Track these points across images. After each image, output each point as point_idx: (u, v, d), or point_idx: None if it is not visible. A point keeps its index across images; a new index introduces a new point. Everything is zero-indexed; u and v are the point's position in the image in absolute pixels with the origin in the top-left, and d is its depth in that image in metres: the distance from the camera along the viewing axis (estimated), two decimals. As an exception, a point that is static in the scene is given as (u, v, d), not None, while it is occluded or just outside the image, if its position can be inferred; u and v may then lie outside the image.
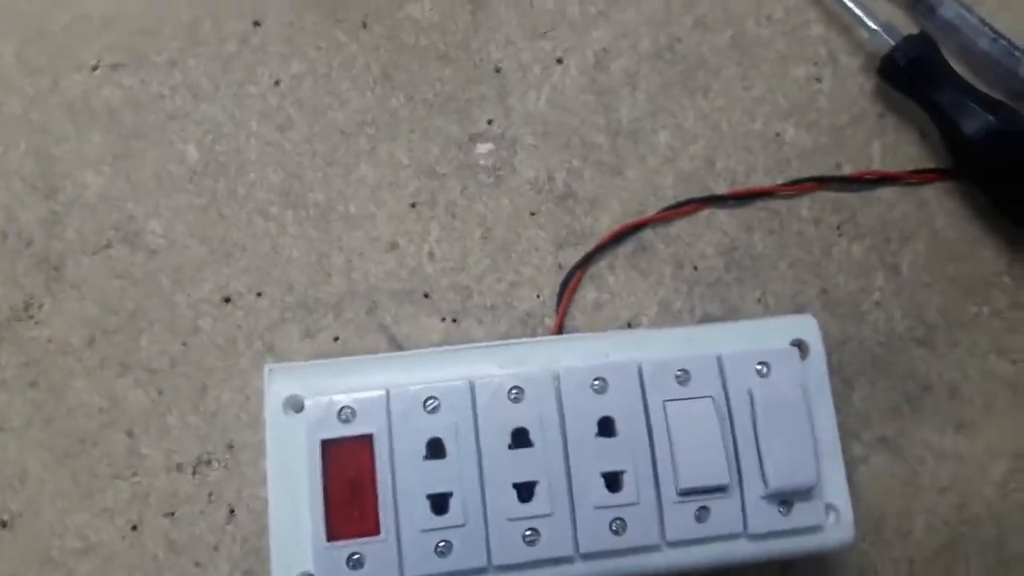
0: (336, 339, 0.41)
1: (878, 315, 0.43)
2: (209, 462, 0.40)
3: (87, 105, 0.43)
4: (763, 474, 0.34)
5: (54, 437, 0.40)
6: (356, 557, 0.32)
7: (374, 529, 0.32)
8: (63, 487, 0.39)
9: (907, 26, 0.46)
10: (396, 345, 0.41)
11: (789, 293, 0.43)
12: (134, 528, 0.39)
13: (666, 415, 0.35)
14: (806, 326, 0.37)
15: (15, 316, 0.41)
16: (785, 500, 0.34)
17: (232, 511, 0.39)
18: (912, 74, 0.44)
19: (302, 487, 0.33)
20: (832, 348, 0.43)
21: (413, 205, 0.43)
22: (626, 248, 0.44)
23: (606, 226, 0.44)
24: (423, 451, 0.33)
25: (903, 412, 0.42)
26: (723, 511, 0.34)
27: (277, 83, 0.44)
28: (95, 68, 0.44)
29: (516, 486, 0.33)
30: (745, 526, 0.34)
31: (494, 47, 0.46)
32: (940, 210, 0.45)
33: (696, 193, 0.44)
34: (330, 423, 0.33)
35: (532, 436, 0.34)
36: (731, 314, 0.43)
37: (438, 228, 0.43)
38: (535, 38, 0.46)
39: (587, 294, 0.43)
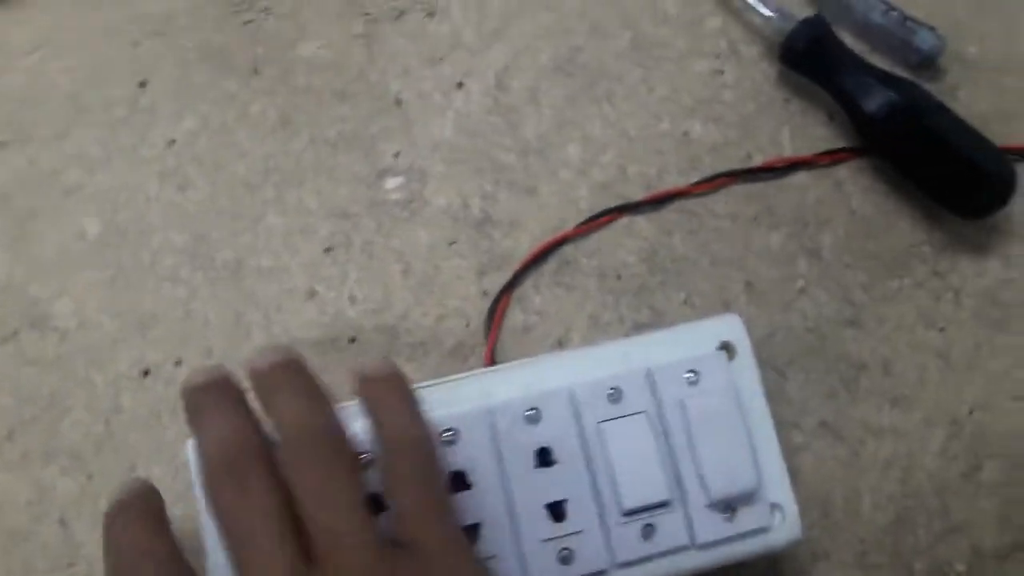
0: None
1: (804, 302, 0.45)
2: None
3: (-24, 189, 0.43)
4: (704, 484, 0.35)
5: (-15, 536, 0.40)
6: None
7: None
8: (1, 586, 0.39)
9: (803, 8, 0.48)
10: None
11: (715, 291, 0.45)
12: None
13: (601, 437, 0.36)
14: (732, 326, 0.38)
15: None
16: (729, 506, 0.36)
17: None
18: (811, 57, 0.45)
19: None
20: (762, 340, 0.45)
21: (328, 249, 0.44)
22: (549, 266, 0.45)
23: (526, 246, 0.45)
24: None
25: (839, 395, 0.44)
26: (669, 526, 0.35)
27: (172, 143, 0.44)
28: (-21, 149, 0.44)
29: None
30: (692, 538, 0.35)
31: (392, 79, 0.46)
32: (855, 189, 0.46)
33: (612, 202, 0.46)
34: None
35: (470, 478, 0.35)
36: (659, 319, 0.44)
37: (356, 270, 0.44)
38: (433, 65, 0.46)
39: (516, 318, 0.44)
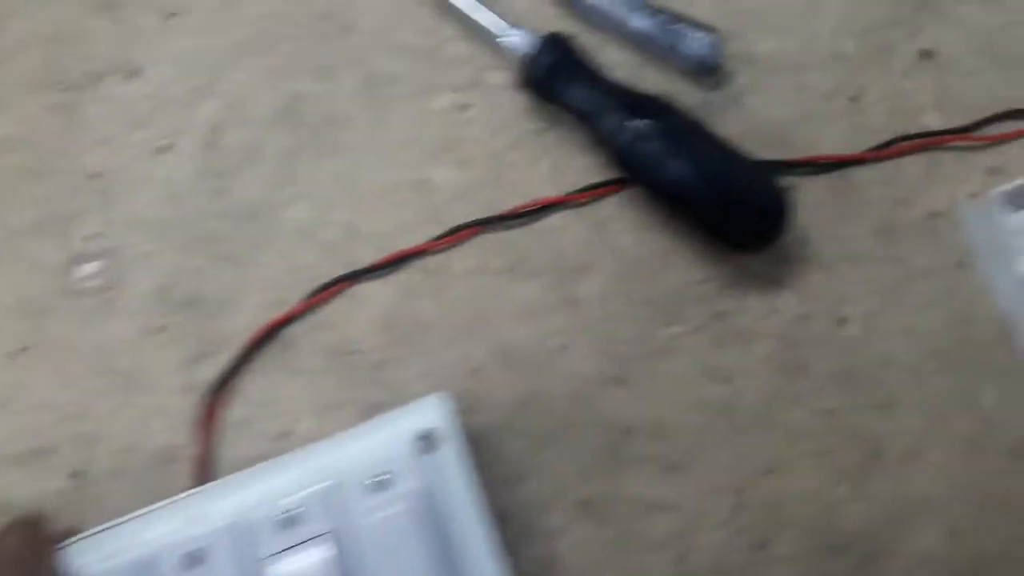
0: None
1: (564, 361, 0.42)
2: None
3: None
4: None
5: None
6: None
7: None
8: None
9: (557, 23, 0.45)
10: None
11: (460, 358, 0.42)
12: None
13: (279, 568, 0.34)
14: (436, 411, 0.36)
15: None
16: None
17: None
18: (550, 81, 0.42)
19: None
20: (515, 410, 0.42)
21: (20, 351, 0.41)
22: (271, 348, 0.42)
23: (244, 327, 0.41)
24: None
25: (603, 467, 0.41)
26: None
27: None
28: None
29: None
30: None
31: (91, 151, 0.44)
32: (621, 226, 0.43)
33: (343, 266, 0.43)
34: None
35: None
36: (399, 396, 0.41)
37: (50, 372, 0.41)
38: (135, 130, 0.44)
39: (234, 410, 0.41)
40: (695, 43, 0.43)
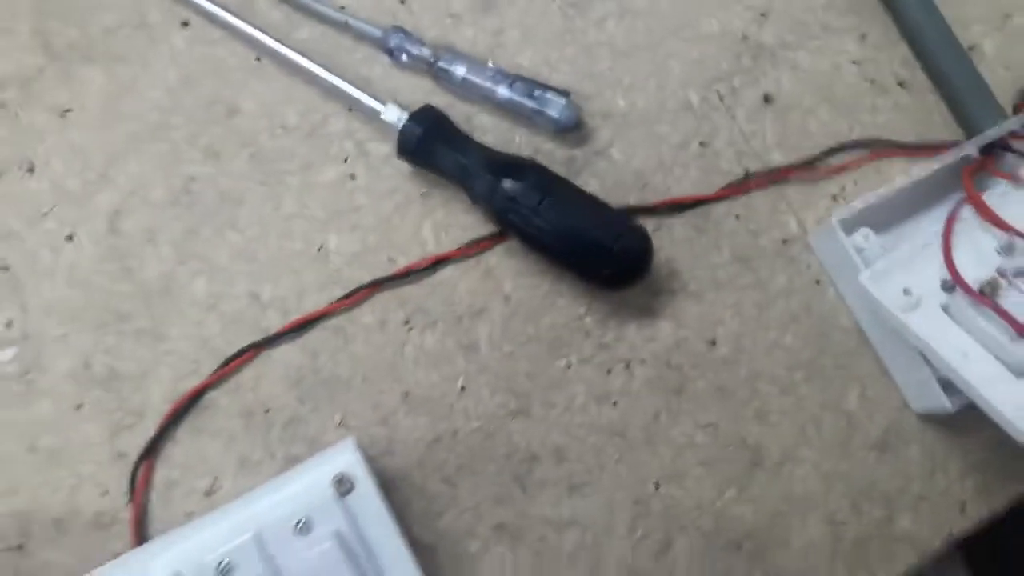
0: None
1: (467, 400, 0.47)
2: None
3: None
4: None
5: None
6: None
7: None
8: None
9: (431, 96, 0.52)
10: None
11: (370, 408, 0.47)
12: None
13: None
14: (347, 456, 0.41)
15: None
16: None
17: None
18: (426, 149, 0.48)
19: None
20: (427, 450, 0.48)
21: (-61, 442, 0.44)
22: (191, 415, 0.46)
23: (161, 396, 0.46)
24: None
25: (513, 493, 0.46)
26: None
27: None
28: None
29: None
30: None
31: (-5, 244, 0.47)
32: (506, 273, 0.49)
33: (248, 334, 0.48)
34: None
35: None
36: (315, 447, 0.46)
37: (-26, 460, 0.44)
38: (37, 222, 0.47)
39: (159, 474, 0.45)
40: (554, 107, 0.50)
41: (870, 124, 0.53)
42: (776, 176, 0.52)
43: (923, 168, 0.48)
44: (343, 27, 0.52)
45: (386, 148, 0.51)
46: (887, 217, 0.49)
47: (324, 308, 0.49)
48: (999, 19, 0.55)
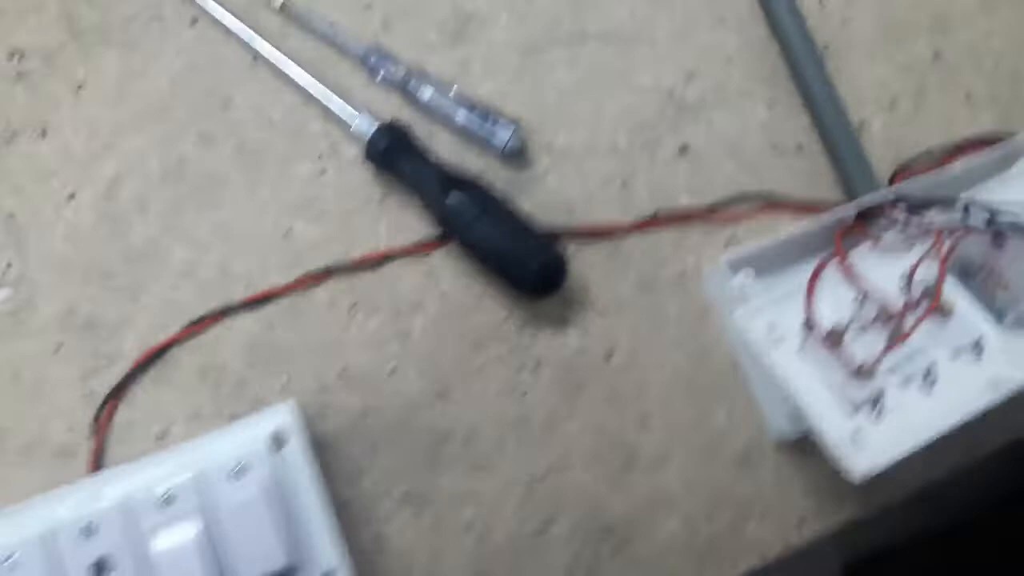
0: None
1: (396, 381, 0.55)
2: None
3: None
4: (237, 571, 0.44)
5: None
6: None
7: None
8: None
9: (398, 111, 0.59)
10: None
11: (311, 377, 0.54)
12: None
13: (153, 542, 0.45)
14: (284, 416, 0.48)
15: None
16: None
17: None
18: (390, 158, 0.55)
19: None
20: (356, 419, 0.55)
21: (-64, 362, 0.51)
22: (155, 367, 0.53)
23: (132, 346, 0.53)
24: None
25: (424, 465, 0.54)
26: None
27: None
28: None
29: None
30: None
31: (5, 197, 0.54)
32: (445, 274, 0.56)
33: (216, 300, 0.55)
34: None
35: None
36: (258, 407, 0.53)
37: (-37, 380, 0.51)
38: (44, 180, 0.54)
39: (121, 415, 0.52)
40: (504, 137, 0.58)
41: (767, 180, 0.60)
42: (681, 218, 0.59)
43: (806, 224, 0.55)
44: (330, 42, 0.59)
45: (355, 151, 0.58)
46: (769, 263, 0.55)
47: (284, 286, 0.56)
48: (888, 102, 0.63)
